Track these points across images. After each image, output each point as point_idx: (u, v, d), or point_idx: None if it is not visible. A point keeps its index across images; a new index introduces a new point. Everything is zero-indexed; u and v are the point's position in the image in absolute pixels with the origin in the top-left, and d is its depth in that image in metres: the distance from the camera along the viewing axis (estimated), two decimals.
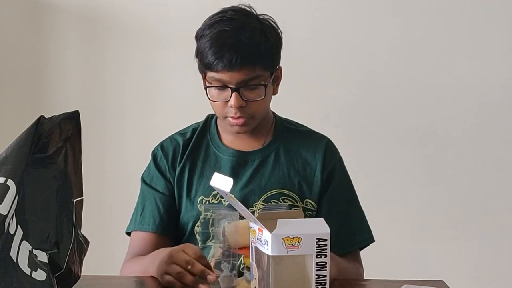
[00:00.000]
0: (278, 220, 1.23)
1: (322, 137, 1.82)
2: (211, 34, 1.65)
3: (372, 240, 1.78)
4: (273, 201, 1.71)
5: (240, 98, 1.63)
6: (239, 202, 1.27)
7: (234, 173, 1.72)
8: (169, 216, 1.74)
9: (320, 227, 1.24)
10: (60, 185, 1.20)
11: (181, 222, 1.74)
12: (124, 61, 2.99)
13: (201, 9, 2.88)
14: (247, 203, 1.69)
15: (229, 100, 1.64)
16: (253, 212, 1.66)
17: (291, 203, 1.71)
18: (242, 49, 1.62)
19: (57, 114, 1.23)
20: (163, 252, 1.53)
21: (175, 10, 2.95)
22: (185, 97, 2.94)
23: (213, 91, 1.67)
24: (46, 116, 1.21)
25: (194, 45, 3.02)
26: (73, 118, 1.25)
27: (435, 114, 2.93)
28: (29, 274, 1.09)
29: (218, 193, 1.68)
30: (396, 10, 2.91)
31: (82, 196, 1.26)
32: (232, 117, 1.67)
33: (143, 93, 2.99)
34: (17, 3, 2.98)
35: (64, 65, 2.99)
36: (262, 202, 1.71)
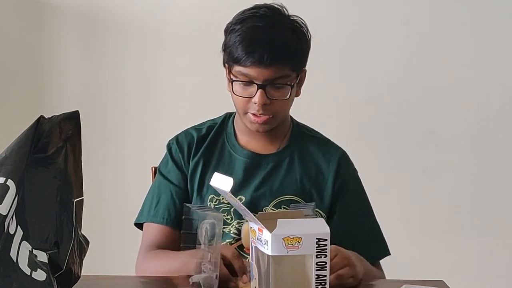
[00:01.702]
0: (278, 220, 1.23)
1: (337, 148, 1.81)
2: (243, 29, 1.64)
3: (388, 253, 1.78)
4: (283, 207, 1.70)
5: (265, 96, 1.62)
6: (239, 202, 1.27)
7: (247, 175, 1.71)
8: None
9: (320, 227, 1.24)
10: (60, 185, 1.20)
11: (188, 220, 1.73)
12: (124, 61, 2.99)
13: (201, 9, 2.91)
14: (257, 207, 1.68)
15: (254, 96, 1.63)
16: None
17: None
18: (274, 46, 1.61)
19: (57, 114, 1.23)
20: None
21: (175, 10, 2.95)
22: (186, 97, 2.95)
23: (237, 86, 1.65)
24: (46, 116, 1.21)
25: (194, 44, 3.03)
26: (73, 118, 1.25)
27: (435, 114, 2.93)
28: (29, 274, 1.09)
29: None
30: (397, 12, 2.91)
31: (82, 196, 1.26)
32: (253, 114, 1.65)
33: (143, 93, 2.99)
34: (17, 4, 2.98)
35: (64, 65, 2.99)
36: (272, 207, 1.70)
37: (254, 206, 1.67)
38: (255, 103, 1.63)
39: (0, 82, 3.00)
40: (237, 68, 1.64)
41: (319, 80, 2.89)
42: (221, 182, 1.24)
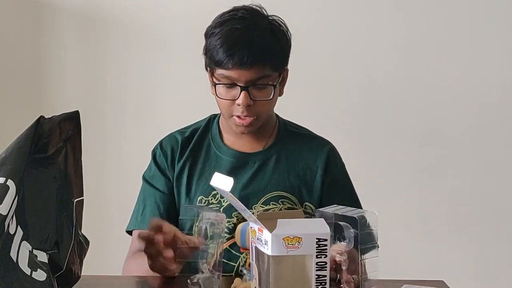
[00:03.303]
0: (278, 220, 1.23)
1: (326, 142, 1.82)
2: (222, 32, 1.65)
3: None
4: (272, 203, 1.71)
5: (248, 97, 1.64)
6: (240, 202, 1.26)
7: (234, 174, 1.71)
8: (169, 215, 1.73)
9: (320, 227, 1.24)
10: (60, 185, 1.20)
11: (180, 221, 1.74)
12: (124, 61, 2.99)
13: (201, 9, 2.90)
14: (246, 206, 1.68)
15: (237, 98, 1.64)
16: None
17: (290, 206, 1.71)
18: (254, 48, 1.63)
19: (57, 114, 1.23)
20: None
21: (174, 10, 2.95)
22: (185, 97, 2.94)
23: (221, 89, 1.67)
24: (46, 116, 1.21)
25: (193, 44, 3.02)
26: (73, 118, 1.25)
27: (435, 114, 2.93)
28: (29, 274, 1.09)
29: (217, 193, 1.68)
30: (397, 11, 2.91)
31: (83, 196, 1.26)
32: (238, 116, 1.67)
33: (143, 93, 2.99)
34: (17, 3, 2.98)
35: (64, 65, 2.99)
36: (261, 204, 1.71)
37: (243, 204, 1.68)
38: (239, 105, 1.65)
39: (0, 82, 2.99)
40: (219, 71, 1.66)
41: (319, 80, 2.89)
42: (221, 182, 1.24)
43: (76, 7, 2.97)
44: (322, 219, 1.28)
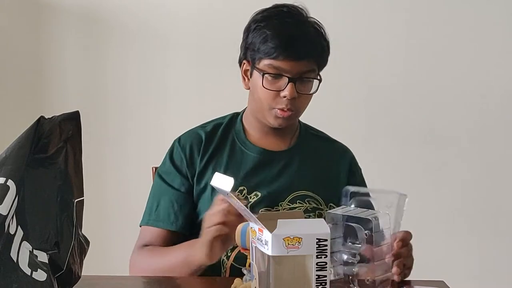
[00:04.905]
0: (278, 220, 1.23)
1: (345, 148, 1.87)
2: (272, 24, 1.66)
3: None
4: (298, 202, 1.71)
5: (295, 89, 1.64)
6: (240, 202, 1.26)
7: (260, 171, 1.73)
8: (183, 213, 1.73)
9: (320, 227, 1.24)
10: (61, 186, 1.20)
11: (204, 215, 1.74)
12: (125, 61, 2.99)
13: (202, 9, 2.91)
14: (274, 202, 1.70)
15: (283, 90, 1.64)
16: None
17: (315, 205, 1.72)
18: (308, 41, 1.65)
19: (57, 114, 1.23)
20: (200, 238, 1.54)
21: (175, 10, 2.95)
22: (186, 97, 2.95)
23: (266, 80, 1.66)
24: (46, 117, 1.21)
25: (194, 45, 3.02)
26: (73, 119, 1.25)
27: (436, 115, 2.93)
28: (29, 274, 1.09)
29: (244, 189, 1.69)
30: (398, 12, 2.91)
31: (83, 196, 1.26)
32: (280, 109, 1.67)
33: (144, 93, 2.99)
34: (17, 3, 2.98)
35: (64, 65, 2.99)
36: (288, 202, 1.71)
37: (271, 202, 1.69)
38: (285, 97, 1.65)
39: (0, 82, 3.00)
40: (266, 62, 1.65)
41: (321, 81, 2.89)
42: (221, 182, 1.24)
43: (77, 7, 2.97)
44: (322, 219, 1.28)
